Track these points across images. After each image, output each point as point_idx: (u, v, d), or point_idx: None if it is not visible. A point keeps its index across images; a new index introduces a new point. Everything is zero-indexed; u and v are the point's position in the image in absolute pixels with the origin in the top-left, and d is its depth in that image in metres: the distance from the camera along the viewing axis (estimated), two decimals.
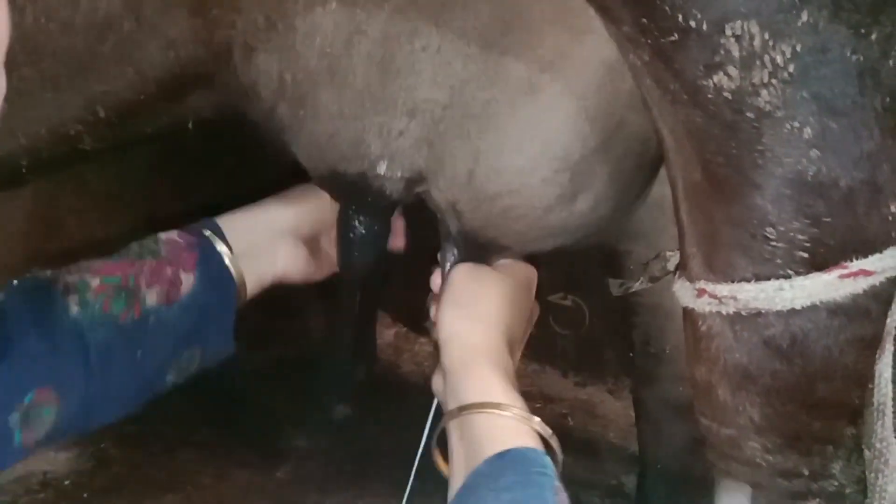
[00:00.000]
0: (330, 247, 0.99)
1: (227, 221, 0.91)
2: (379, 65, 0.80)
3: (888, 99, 0.51)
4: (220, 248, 0.89)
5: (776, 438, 0.65)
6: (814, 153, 0.53)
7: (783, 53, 0.50)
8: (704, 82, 0.52)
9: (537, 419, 0.75)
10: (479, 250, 0.89)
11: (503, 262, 0.91)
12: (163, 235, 0.88)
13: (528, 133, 0.81)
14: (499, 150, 0.81)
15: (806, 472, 0.66)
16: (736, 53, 0.50)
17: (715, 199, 0.59)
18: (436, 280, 0.93)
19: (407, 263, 1.03)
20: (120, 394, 0.82)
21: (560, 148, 0.80)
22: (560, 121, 0.79)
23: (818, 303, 0.58)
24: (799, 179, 0.54)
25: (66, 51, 0.69)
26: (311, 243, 0.98)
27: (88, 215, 1.40)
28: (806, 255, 0.57)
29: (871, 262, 0.56)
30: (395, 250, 1.01)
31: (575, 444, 1.73)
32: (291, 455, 1.66)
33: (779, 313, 0.59)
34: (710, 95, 0.53)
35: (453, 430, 0.77)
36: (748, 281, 0.59)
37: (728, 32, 0.50)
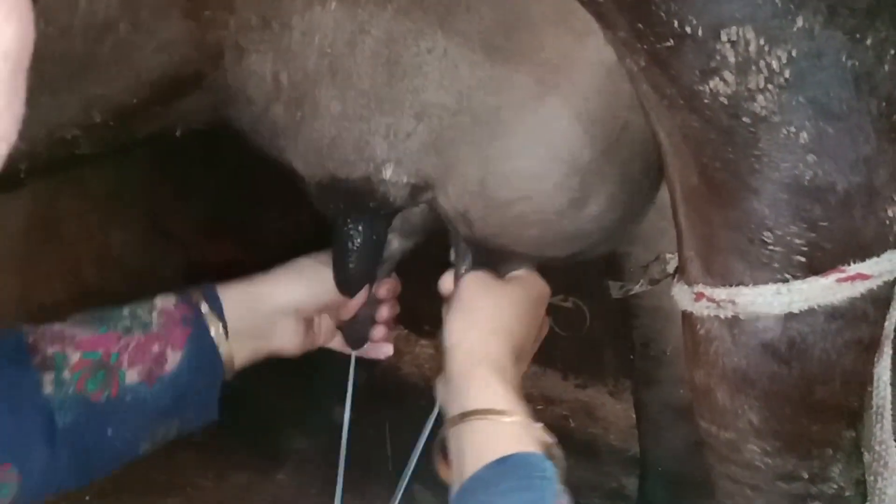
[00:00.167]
0: (322, 320, 0.98)
1: (229, 296, 0.89)
2: (385, 65, 0.79)
3: (884, 103, 0.52)
4: (215, 328, 0.86)
5: (775, 441, 0.65)
6: (810, 157, 0.53)
7: (779, 59, 0.50)
8: (700, 87, 0.52)
9: (539, 425, 0.75)
10: (492, 257, 0.89)
11: (517, 273, 0.91)
12: (159, 303, 0.85)
13: (537, 138, 0.80)
14: (510, 156, 0.81)
15: (805, 475, 0.66)
16: (732, 59, 0.50)
17: (712, 203, 0.59)
18: (444, 284, 0.92)
19: (407, 266, 1.03)
20: (87, 468, 0.80)
21: (568, 151, 0.80)
22: (567, 123, 0.79)
23: (816, 307, 0.58)
24: (796, 184, 0.54)
25: (64, 54, 0.68)
26: (309, 319, 0.96)
27: (88, 217, 1.41)
28: (803, 259, 0.57)
29: (868, 266, 0.56)
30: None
31: (576, 446, 1.73)
32: (291, 457, 1.66)
33: (777, 317, 0.59)
34: (706, 100, 0.53)
35: (455, 436, 0.77)
36: (746, 285, 0.59)
37: (724, 38, 0.50)
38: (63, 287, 1.42)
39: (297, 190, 0.96)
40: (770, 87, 0.51)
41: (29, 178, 0.74)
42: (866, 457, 0.65)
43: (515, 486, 0.68)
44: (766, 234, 0.57)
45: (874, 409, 0.63)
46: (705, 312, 0.64)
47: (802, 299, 0.58)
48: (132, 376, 0.80)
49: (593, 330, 1.77)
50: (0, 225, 1.25)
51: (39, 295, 1.36)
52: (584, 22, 0.58)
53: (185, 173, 1.44)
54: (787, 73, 0.50)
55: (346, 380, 1.05)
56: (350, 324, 0.99)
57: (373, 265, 0.94)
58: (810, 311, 0.58)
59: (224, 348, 0.86)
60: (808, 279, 0.57)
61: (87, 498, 1.53)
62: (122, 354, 0.80)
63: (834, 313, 0.58)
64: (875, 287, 0.57)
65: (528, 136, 0.80)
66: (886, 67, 0.51)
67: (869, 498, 0.65)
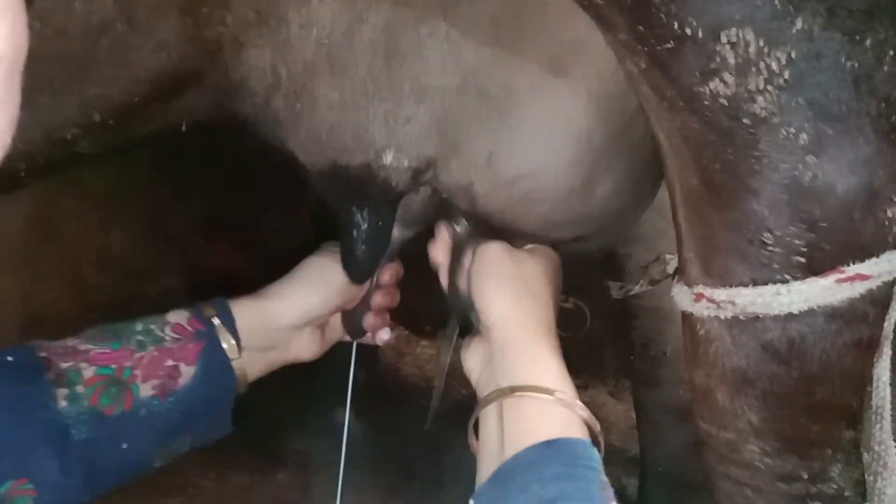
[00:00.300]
0: (336, 319, 0.98)
1: (241, 311, 0.88)
2: (383, 52, 0.78)
3: (883, 104, 0.52)
4: (227, 344, 0.86)
5: (775, 442, 0.65)
6: (810, 159, 0.53)
7: (778, 60, 0.50)
8: (700, 89, 0.52)
9: (586, 409, 0.73)
10: (496, 237, 0.87)
11: (530, 246, 0.89)
12: (172, 318, 0.86)
13: (549, 116, 0.79)
14: (520, 133, 0.80)
15: (805, 476, 0.66)
16: (731, 60, 0.50)
17: (712, 204, 0.59)
18: (438, 251, 0.90)
19: (407, 266, 1.03)
20: (100, 482, 0.81)
21: (582, 130, 0.79)
22: (581, 102, 0.78)
23: (815, 307, 0.58)
24: (795, 185, 0.54)
25: (61, 54, 0.68)
26: (323, 324, 0.97)
27: (88, 217, 1.40)
28: (803, 259, 0.57)
29: (867, 267, 0.56)
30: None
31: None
32: (292, 457, 1.66)
33: (776, 318, 0.59)
34: (706, 102, 0.53)
35: (492, 410, 0.75)
36: (746, 286, 0.59)
37: (723, 39, 0.50)
38: (63, 287, 1.42)
39: (297, 190, 0.96)
40: (770, 88, 0.51)
41: (28, 179, 0.74)
42: (866, 457, 0.65)
43: (561, 473, 0.67)
44: (766, 234, 0.57)
45: (873, 409, 0.63)
46: (705, 313, 0.64)
47: (802, 300, 0.58)
48: (146, 391, 0.81)
49: (594, 331, 1.76)
50: (1, 226, 1.25)
51: (39, 295, 1.36)
52: None
53: (185, 173, 1.44)
54: (786, 75, 0.51)
55: (348, 380, 1.05)
56: (350, 313, 0.99)
57: (381, 251, 0.93)
58: (810, 312, 0.58)
59: (237, 363, 0.87)
60: (808, 280, 0.57)
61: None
62: (136, 369, 0.81)
63: (833, 314, 0.58)
64: (874, 288, 0.57)
65: (541, 114, 0.79)
66: (886, 68, 0.51)
67: (868, 498, 0.65)
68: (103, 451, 0.78)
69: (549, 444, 0.69)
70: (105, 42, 0.69)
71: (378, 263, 0.95)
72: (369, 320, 0.99)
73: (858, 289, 0.57)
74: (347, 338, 1.02)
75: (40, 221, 1.35)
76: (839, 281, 0.57)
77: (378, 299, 0.98)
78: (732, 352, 0.63)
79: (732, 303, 0.60)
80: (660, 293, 1.08)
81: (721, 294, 0.61)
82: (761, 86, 0.51)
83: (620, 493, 1.67)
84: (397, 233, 0.92)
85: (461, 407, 0.84)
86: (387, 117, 0.80)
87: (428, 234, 0.94)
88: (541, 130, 0.80)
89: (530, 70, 0.78)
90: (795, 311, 0.58)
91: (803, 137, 0.52)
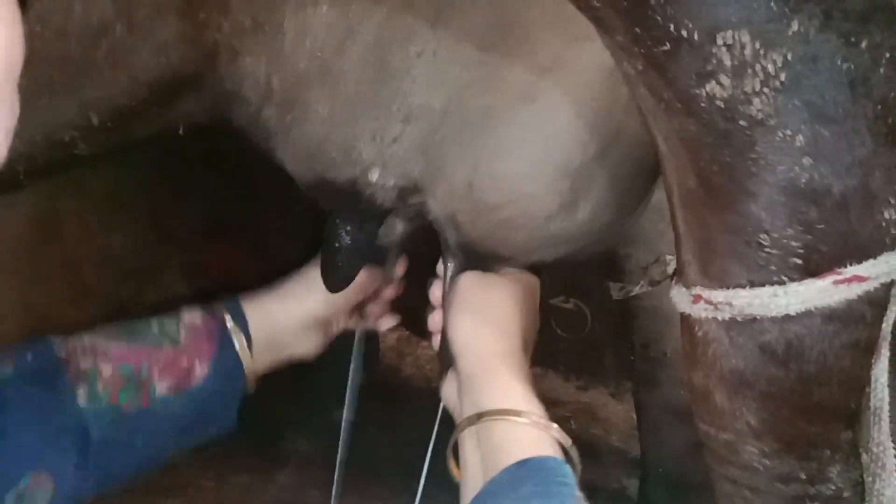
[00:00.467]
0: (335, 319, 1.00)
1: (253, 311, 0.91)
2: (373, 69, 0.79)
3: (879, 106, 0.52)
4: (239, 344, 0.89)
5: (773, 443, 0.65)
6: (806, 160, 0.53)
7: (774, 62, 0.50)
8: (697, 91, 0.52)
9: (556, 427, 0.75)
10: (480, 262, 0.89)
11: (507, 270, 0.90)
12: (186, 318, 0.88)
13: (527, 141, 0.80)
14: (498, 159, 0.81)
15: (803, 477, 0.66)
16: (728, 62, 0.51)
17: (709, 206, 0.59)
18: (435, 292, 0.93)
19: (408, 267, 1.04)
20: (117, 475, 0.83)
21: (560, 155, 0.80)
22: (559, 127, 0.79)
23: (813, 309, 0.58)
24: (792, 187, 0.54)
25: (60, 57, 0.69)
26: (328, 323, 0.99)
27: (89, 219, 1.40)
28: (800, 261, 0.57)
29: (865, 268, 0.56)
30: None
31: (577, 448, 1.72)
32: (293, 459, 1.66)
33: (774, 319, 0.59)
34: (702, 104, 0.53)
35: (469, 436, 0.77)
36: (743, 287, 0.59)
37: (719, 42, 0.50)
38: (63, 287, 1.42)
39: (297, 190, 0.96)
40: (766, 90, 0.51)
41: (28, 180, 0.74)
42: (864, 458, 0.65)
43: (534, 491, 0.68)
44: (763, 236, 0.57)
45: (872, 410, 0.63)
46: (703, 314, 0.64)
47: (799, 301, 0.58)
48: (162, 389, 0.83)
49: (595, 331, 1.77)
50: (1, 227, 1.25)
51: (40, 295, 1.36)
52: (581, 26, 0.58)
53: (185, 174, 1.44)
54: (782, 77, 0.51)
55: (348, 382, 1.06)
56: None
57: (360, 265, 0.95)
58: (807, 314, 0.58)
59: (248, 363, 0.89)
60: (805, 281, 0.57)
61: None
62: (153, 368, 0.83)
63: (831, 315, 0.58)
64: (872, 289, 0.57)
65: (518, 140, 0.80)
66: (882, 71, 0.51)
67: (867, 499, 0.66)
68: (120, 447, 0.81)
69: (521, 465, 0.70)
70: (104, 44, 0.69)
71: (353, 277, 0.96)
72: (373, 310, 1.02)
73: (856, 290, 0.57)
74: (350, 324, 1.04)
75: (41, 222, 1.35)
76: (836, 282, 0.57)
77: (389, 292, 1.02)
78: (730, 353, 0.63)
79: (730, 304, 0.61)
80: (660, 294, 1.08)
81: (719, 295, 0.61)
82: (757, 88, 0.51)
83: (621, 494, 1.68)
84: (400, 228, 0.93)
85: None
86: (374, 135, 0.81)
87: (427, 236, 0.94)
88: (518, 157, 0.80)
89: (510, 95, 0.78)
90: (793, 313, 0.58)
91: (800, 139, 0.52)
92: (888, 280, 0.58)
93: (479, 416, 0.76)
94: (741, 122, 0.53)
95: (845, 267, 0.56)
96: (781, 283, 0.58)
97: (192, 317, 0.88)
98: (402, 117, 0.81)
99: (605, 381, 1.98)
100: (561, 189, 0.81)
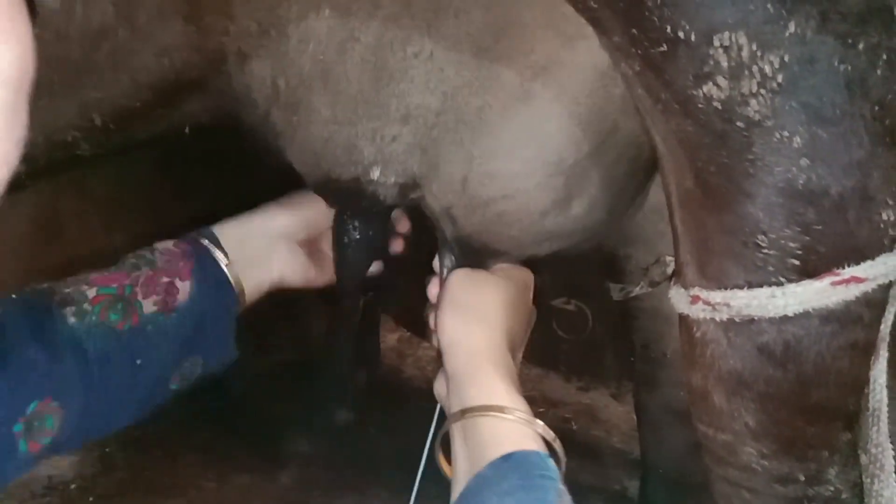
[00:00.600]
0: (330, 251, 1.00)
1: (222, 229, 0.92)
2: (372, 71, 0.80)
3: (877, 107, 0.52)
4: (217, 255, 0.89)
5: (772, 444, 0.65)
6: (804, 162, 0.53)
7: (771, 64, 0.50)
8: (694, 92, 0.53)
9: (540, 423, 0.76)
10: (475, 256, 0.90)
11: (500, 266, 0.91)
12: (159, 245, 0.88)
13: (522, 138, 0.80)
14: (493, 156, 0.81)
15: (802, 478, 0.66)
16: (725, 64, 0.51)
17: (707, 207, 0.59)
18: (433, 289, 0.93)
19: (409, 267, 1.04)
20: (122, 401, 0.82)
21: (554, 153, 0.80)
22: (554, 126, 0.79)
23: (810, 310, 0.58)
24: (789, 188, 0.54)
25: (61, 59, 0.69)
26: (310, 248, 0.98)
27: (90, 219, 1.41)
28: (797, 262, 0.57)
29: (862, 269, 0.57)
30: (395, 252, 1.02)
31: (578, 449, 1.72)
32: (294, 460, 1.66)
33: (771, 320, 0.59)
34: (700, 105, 0.53)
35: (457, 433, 0.78)
36: (741, 288, 0.60)
37: (716, 43, 0.50)
38: None
39: (299, 190, 0.97)
40: (763, 91, 0.51)
41: (29, 180, 0.74)
42: (863, 459, 0.65)
43: (518, 485, 0.68)
44: (761, 237, 0.57)
45: (870, 411, 0.64)
46: (701, 315, 0.64)
47: (797, 302, 0.58)
48: (149, 307, 0.83)
49: (595, 332, 1.77)
50: (2, 228, 1.25)
51: None
52: (576, 26, 0.58)
53: (186, 174, 1.44)
54: (779, 78, 0.51)
55: (349, 382, 1.06)
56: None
57: (370, 259, 0.97)
58: (805, 314, 0.59)
59: (231, 274, 0.89)
60: (803, 282, 0.57)
61: (91, 500, 1.53)
62: (135, 287, 0.83)
63: (829, 316, 0.59)
64: (870, 290, 0.58)
65: (513, 137, 0.80)
66: (879, 72, 0.51)
67: (865, 500, 0.66)
68: (119, 366, 0.80)
69: (505, 459, 0.71)
70: (106, 46, 0.70)
71: (366, 268, 0.98)
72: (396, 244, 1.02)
73: (853, 291, 0.57)
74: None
75: (43, 222, 1.35)
76: (834, 283, 0.57)
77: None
78: (728, 354, 0.63)
79: (728, 305, 0.61)
80: (660, 295, 1.08)
81: (717, 296, 0.61)
82: (755, 89, 0.51)
83: (622, 495, 1.67)
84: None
85: None
86: (374, 135, 0.83)
87: (426, 236, 0.94)
88: (513, 153, 0.81)
89: (504, 93, 0.79)
90: (790, 314, 0.59)
91: (797, 140, 0.53)
92: (886, 281, 0.58)
93: (464, 413, 0.77)
94: (738, 124, 0.53)
95: (843, 268, 0.57)
96: (779, 283, 0.58)
97: (164, 244, 0.89)
98: (401, 117, 0.82)
99: (607, 382, 1.98)
100: (555, 186, 0.82)
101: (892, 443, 0.63)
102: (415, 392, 1.91)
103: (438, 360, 0.88)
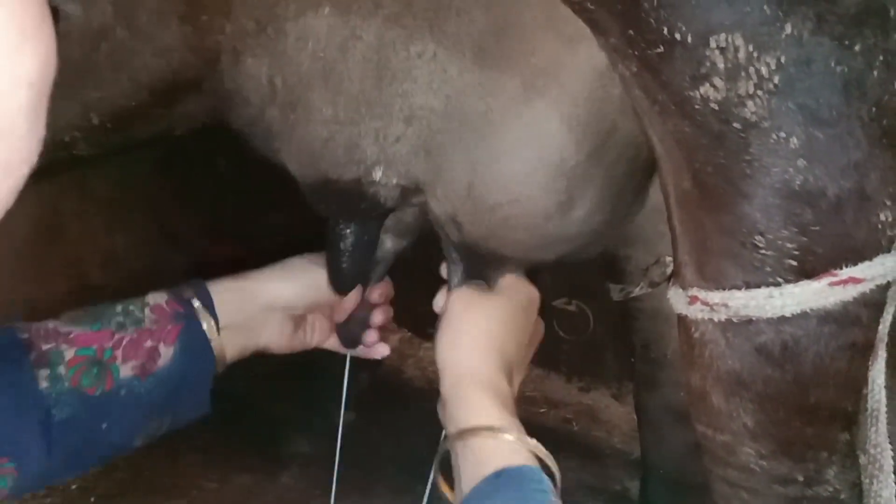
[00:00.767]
0: (316, 321, 1.00)
1: (219, 292, 0.90)
2: (375, 69, 0.80)
3: (874, 109, 0.52)
4: (206, 323, 0.87)
5: (770, 444, 0.65)
6: (801, 163, 0.53)
7: (768, 65, 0.50)
8: (691, 93, 0.53)
9: (533, 441, 0.76)
10: (481, 262, 0.89)
11: (506, 281, 0.91)
12: (151, 300, 0.87)
13: (524, 141, 0.80)
14: (497, 160, 0.81)
15: (800, 478, 0.66)
16: (721, 65, 0.51)
17: (705, 207, 0.59)
18: (439, 301, 0.93)
19: (410, 268, 1.04)
20: (81, 460, 0.82)
21: (556, 155, 0.80)
22: (555, 127, 0.79)
23: (808, 310, 0.58)
24: (786, 189, 0.54)
25: (61, 59, 0.69)
26: (299, 318, 0.98)
27: (91, 220, 1.41)
28: (795, 263, 0.57)
29: (860, 270, 0.57)
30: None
31: (579, 450, 1.72)
32: (295, 460, 1.66)
33: (769, 320, 0.59)
34: (697, 106, 0.53)
35: (455, 454, 0.78)
36: (739, 288, 0.60)
37: (713, 44, 0.50)
38: (68, 289, 1.42)
39: (299, 191, 0.97)
40: (759, 93, 0.51)
41: (29, 180, 0.75)
42: (862, 459, 0.65)
43: (511, 497, 0.69)
44: (758, 238, 0.57)
45: (869, 411, 0.63)
46: (699, 316, 0.64)
47: (795, 303, 0.58)
48: (126, 371, 0.82)
49: (596, 333, 1.77)
50: (4, 227, 1.25)
51: (44, 297, 1.37)
52: (576, 28, 0.59)
53: (189, 175, 1.45)
54: (776, 80, 0.51)
55: (350, 383, 1.06)
56: (345, 325, 1.01)
57: (365, 265, 0.96)
58: (803, 315, 0.58)
59: (216, 343, 0.88)
60: (801, 283, 0.57)
61: (93, 500, 1.54)
62: (116, 350, 0.82)
63: (827, 317, 0.59)
64: (868, 291, 0.57)
65: (516, 140, 0.80)
66: (876, 73, 0.51)
67: (864, 500, 0.66)
68: (84, 430, 0.79)
69: (498, 475, 0.71)
70: (105, 47, 0.70)
71: (363, 277, 0.97)
72: (370, 337, 1.01)
73: (851, 292, 0.57)
74: (342, 350, 1.04)
75: (45, 223, 1.36)
76: (832, 284, 0.57)
77: (378, 317, 1.01)
78: (727, 354, 0.63)
79: (726, 305, 0.61)
80: (660, 295, 1.08)
81: (715, 297, 0.61)
82: (751, 90, 0.51)
83: (623, 496, 1.68)
84: (390, 244, 0.94)
85: None
86: (377, 135, 0.82)
87: (426, 239, 0.94)
88: (516, 157, 0.81)
89: (506, 96, 0.79)
90: (788, 314, 0.58)
91: (794, 142, 0.53)
92: (884, 282, 0.58)
93: (459, 435, 0.77)
94: (735, 125, 0.53)
95: (841, 269, 0.57)
96: (777, 284, 0.58)
97: (156, 298, 0.87)
98: (405, 117, 0.81)
99: (607, 382, 1.98)
100: (558, 188, 0.82)
101: (890, 443, 0.62)
102: (416, 393, 1.91)
103: None
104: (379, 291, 1.01)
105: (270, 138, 0.87)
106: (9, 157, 0.34)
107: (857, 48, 0.50)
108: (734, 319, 0.61)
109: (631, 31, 0.52)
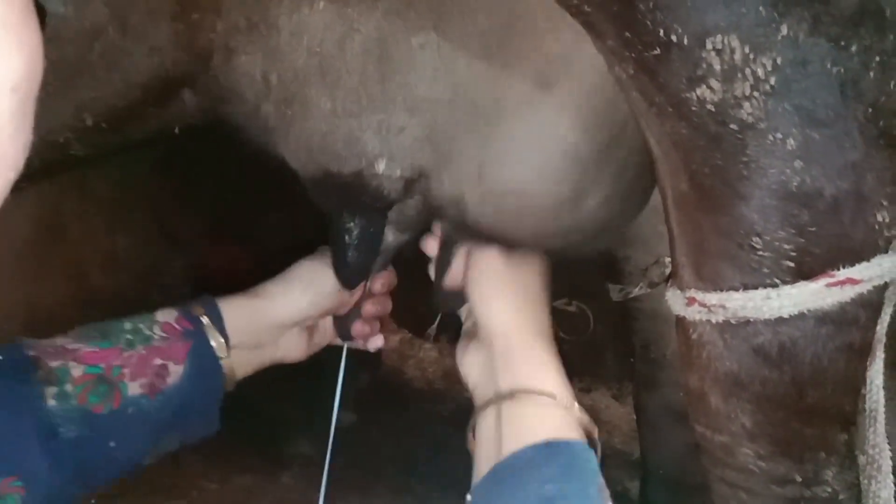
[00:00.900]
0: (326, 322, 0.99)
1: (230, 309, 0.89)
2: (376, 62, 0.78)
3: (870, 109, 0.52)
4: (216, 342, 0.87)
5: (768, 445, 0.65)
6: (797, 164, 0.53)
7: (764, 66, 0.50)
8: (688, 95, 0.53)
9: (586, 415, 0.75)
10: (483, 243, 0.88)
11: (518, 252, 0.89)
12: (160, 318, 0.86)
13: (537, 130, 0.79)
14: (511, 147, 0.80)
15: (799, 479, 0.66)
16: (717, 67, 0.51)
17: (702, 209, 0.59)
18: (430, 244, 0.92)
19: (411, 268, 1.04)
20: (89, 479, 0.81)
21: (570, 145, 0.79)
22: (569, 118, 0.78)
23: (806, 311, 0.58)
24: (783, 190, 0.54)
25: (55, 59, 0.69)
26: (311, 326, 0.98)
27: (92, 220, 1.41)
28: (792, 264, 0.57)
29: (857, 271, 0.57)
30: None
31: None
32: (295, 461, 1.66)
33: (767, 322, 0.59)
34: (693, 108, 0.53)
35: (491, 412, 0.77)
36: (736, 290, 0.60)
37: (709, 46, 0.50)
38: (69, 290, 1.43)
39: (300, 191, 0.97)
40: (756, 94, 0.51)
41: (25, 182, 0.75)
42: (860, 460, 0.65)
43: (560, 473, 0.68)
44: (756, 239, 0.57)
45: (867, 412, 0.63)
46: (697, 317, 0.64)
47: (792, 304, 0.58)
48: (134, 389, 0.81)
49: (596, 333, 1.77)
50: (5, 229, 1.25)
51: (45, 298, 1.37)
52: None
53: (189, 175, 1.45)
54: (772, 81, 0.51)
55: (350, 383, 1.06)
56: (342, 319, 1.00)
57: (371, 258, 0.94)
58: (800, 316, 0.59)
59: (225, 361, 0.87)
60: (798, 284, 0.57)
61: (93, 501, 1.54)
62: (125, 368, 0.81)
63: (824, 318, 0.59)
64: (865, 291, 0.58)
65: (529, 129, 0.79)
66: (872, 74, 0.51)
67: (863, 501, 0.66)
68: (92, 449, 0.79)
69: (549, 445, 0.70)
70: (97, 47, 0.70)
71: (369, 269, 0.96)
72: (357, 328, 1.00)
73: (849, 293, 0.57)
74: (339, 341, 1.03)
75: (45, 224, 1.36)
76: (829, 285, 0.57)
77: (368, 307, 0.99)
78: (724, 355, 0.63)
79: (723, 307, 0.61)
80: (659, 296, 1.08)
81: (712, 298, 0.61)
82: (748, 92, 0.51)
83: (623, 496, 1.67)
84: (391, 238, 0.93)
85: (464, 409, 0.85)
86: (380, 126, 0.81)
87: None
88: (529, 145, 0.80)
89: (519, 84, 0.78)
90: (786, 315, 0.59)
91: (791, 143, 0.53)
92: (881, 282, 0.58)
93: (513, 393, 0.75)
94: (732, 126, 0.53)
95: (838, 269, 0.57)
96: (774, 285, 0.58)
97: (166, 316, 0.86)
98: (408, 108, 0.80)
99: (608, 382, 1.98)
100: (571, 178, 0.81)
101: (889, 443, 0.62)
102: (416, 393, 1.91)
103: (442, 361, 0.87)
104: (382, 281, 0.99)
105: (267, 133, 0.85)
106: None
107: (853, 49, 0.50)
108: (732, 320, 0.61)
109: (627, 34, 0.52)
